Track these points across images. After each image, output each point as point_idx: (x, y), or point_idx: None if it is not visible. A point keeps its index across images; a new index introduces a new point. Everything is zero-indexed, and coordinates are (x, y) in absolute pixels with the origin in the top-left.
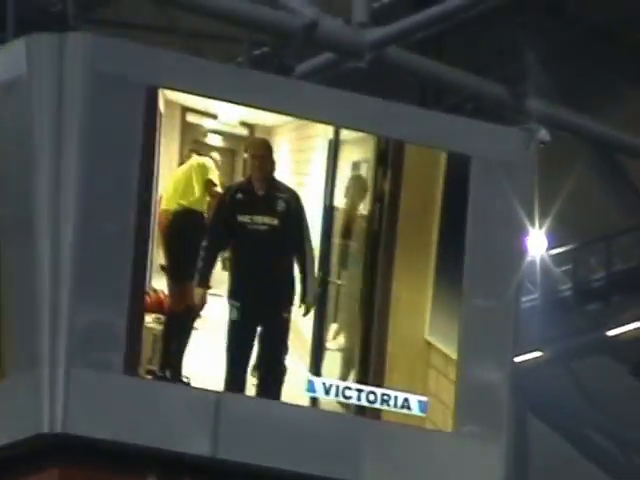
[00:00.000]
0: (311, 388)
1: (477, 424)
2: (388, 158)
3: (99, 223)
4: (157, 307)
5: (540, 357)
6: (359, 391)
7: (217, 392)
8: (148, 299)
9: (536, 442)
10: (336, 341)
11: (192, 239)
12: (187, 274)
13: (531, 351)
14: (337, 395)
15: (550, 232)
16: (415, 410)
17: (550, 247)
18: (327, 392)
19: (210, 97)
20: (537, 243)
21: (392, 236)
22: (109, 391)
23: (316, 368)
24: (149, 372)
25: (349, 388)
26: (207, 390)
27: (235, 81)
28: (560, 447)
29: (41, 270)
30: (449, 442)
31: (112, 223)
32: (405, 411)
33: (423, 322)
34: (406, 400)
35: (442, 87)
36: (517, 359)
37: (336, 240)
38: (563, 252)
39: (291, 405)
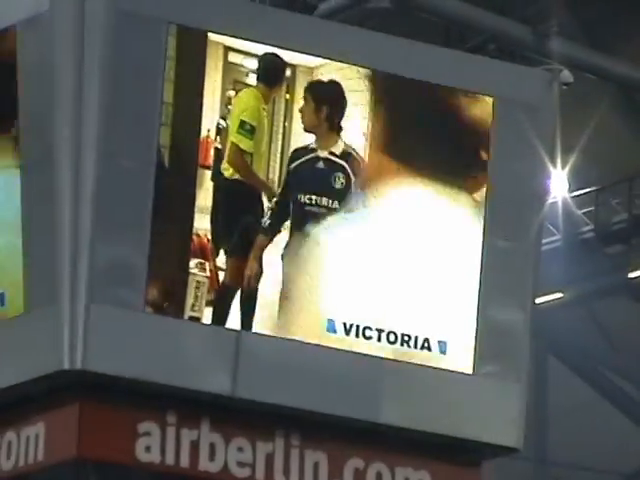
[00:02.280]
0: (331, 328)
1: (497, 364)
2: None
3: (120, 159)
4: (200, 252)
5: (561, 298)
6: (379, 331)
7: (237, 331)
8: (191, 243)
9: (555, 383)
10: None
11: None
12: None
13: (552, 292)
14: (357, 335)
15: (572, 174)
16: (435, 351)
17: (572, 189)
18: (347, 332)
19: (230, 35)
20: (559, 185)
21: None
22: (129, 328)
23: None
24: (192, 318)
25: (369, 328)
26: (227, 329)
27: (256, 19)
28: (579, 388)
29: (62, 207)
30: (469, 382)
31: (132, 160)
32: (425, 352)
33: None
34: (426, 341)
35: (466, 27)
36: (538, 300)
37: None
38: (585, 194)
39: (311, 345)
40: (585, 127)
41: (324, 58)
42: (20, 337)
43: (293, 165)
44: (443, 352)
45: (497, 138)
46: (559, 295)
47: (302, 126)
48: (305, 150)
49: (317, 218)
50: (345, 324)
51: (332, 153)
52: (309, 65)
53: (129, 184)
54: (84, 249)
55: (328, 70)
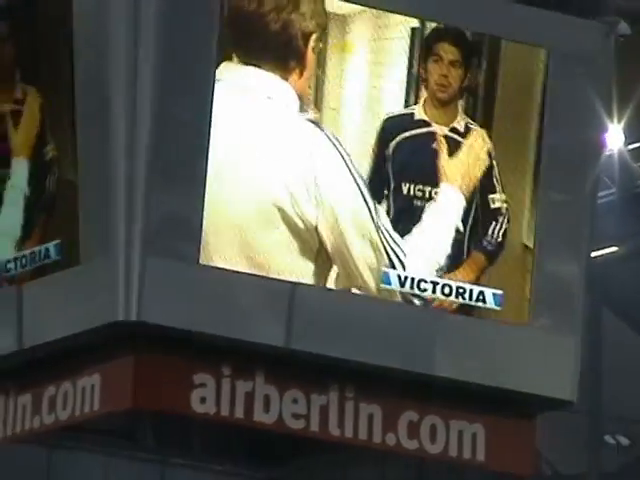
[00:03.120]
0: (386, 280)
1: (552, 317)
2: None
3: (175, 111)
4: None
5: (616, 252)
6: (434, 284)
7: (292, 282)
8: None
9: (610, 336)
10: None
11: None
12: None
13: (608, 246)
14: (412, 287)
15: (629, 126)
16: (490, 303)
17: (628, 141)
18: (402, 284)
19: None
20: (615, 137)
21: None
22: (184, 280)
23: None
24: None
25: (424, 281)
26: (282, 280)
27: None
28: (634, 342)
29: (117, 158)
30: (523, 335)
31: (188, 111)
32: (480, 304)
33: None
34: (481, 293)
35: None
36: (593, 254)
37: None
38: None
39: (366, 297)
40: None
41: (363, 5)
42: (76, 288)
43: (395, 141)
44: (498, 304)
45: (552, 91)
46: (614, 249)
47: (439, 95)
48: (410, 121)
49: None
50: (400, 276)
51: (454, 130)
52: (343, 13)
53: (184, 136)
54: (139, 201)
55: (363, 20)
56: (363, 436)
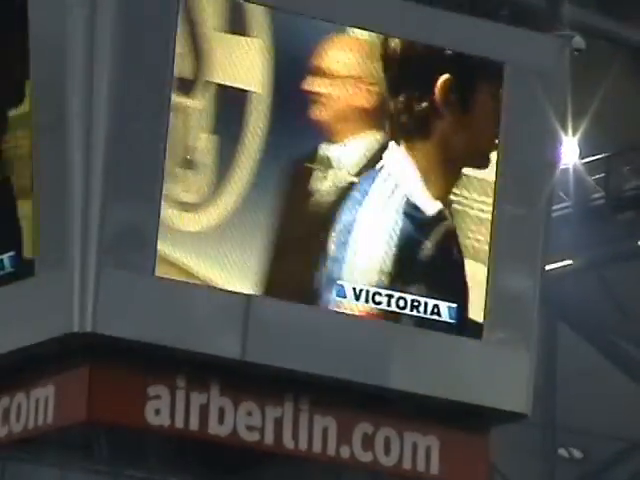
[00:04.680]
0: (341, 293)
1: (506, 331)
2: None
3: (131, 124)
4: None
5: (571, 265)
6: (389, 297)
7: (247, 295)
8: None
9: (565, 349)
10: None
11: None
12: None
13: (562, 259)
14: (367, 301)
15: (583, 140)
16: (445, 316)
17: (583, 155)
18: (357, 297)
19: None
20: (570, 151)
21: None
22: (139, 292)
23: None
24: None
25: (379, 294)
26: (237, 292)
27: None
28: (589, 355)
29: (72, 169)
30: (478, 348)
31: (144, 122)
32: (435, 317)
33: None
34: (436, 306)
35: None
36: (548, 267)
37: None
38: (596, 160)
39: (320, 309)
40: (597, 93)
41: (328, 21)
42: (30, 299)
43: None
44: (453, 318)
45: (508, 104)
46: (569, 262)
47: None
48: None
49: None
50: (355, 289)
51: None
52: None
53: (139, 150)
54: (95, 213)
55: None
56: (317, 449)
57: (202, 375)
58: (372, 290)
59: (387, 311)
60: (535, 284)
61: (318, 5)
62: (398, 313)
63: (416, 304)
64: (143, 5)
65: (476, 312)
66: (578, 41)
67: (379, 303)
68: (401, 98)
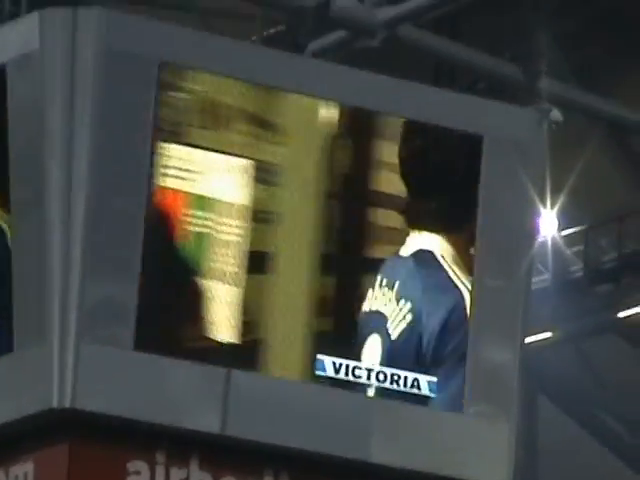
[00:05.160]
0: (321, 367)
1: (486, 404)
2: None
3: (110, 199)
4: None
5: (550, 338)
6: (369, 370)
7: (226, 368)
8: None
9: (545, 422)
10: None
11: None
12: None
13: (542, 332)
14: (347, 374)
15: (562, 212)
16: (425, 390)
17: (562, 227)
18: (337, 371)
19: (222, 75)
20: (548, 223)
21: None
22: (118, 366)
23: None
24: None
25: (359, 368)
26: (217, 367)
27: (247, 58)
28: (569, 427)
29: (52, 245)
30: (458, 421)
31: (123, 199)
32: (415, 391)
33: None
34: (416, 380)
35: (455, 66)
36: (527, 339)
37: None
38: (574, 233)
39: (301, 383)
40: (574, 166)
41: (311, 96)
42: (9, 375)
43: None
44: (433, 391)
45: (486, 176)
46: (549, 334)
47: None
48: None
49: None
50: (334, 363)
51: None
52: None
53: (119, 224)
54: (74, 287)
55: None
56: None
57: (182, 450)
58: (352, 364)
59: (367, 385)
60: (515, 356)
61: (313, 83)
62: (378, 387)
63: (396, 378)
64: (122, 81)
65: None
66: (556, 114)
67: (359, 377)
68: None
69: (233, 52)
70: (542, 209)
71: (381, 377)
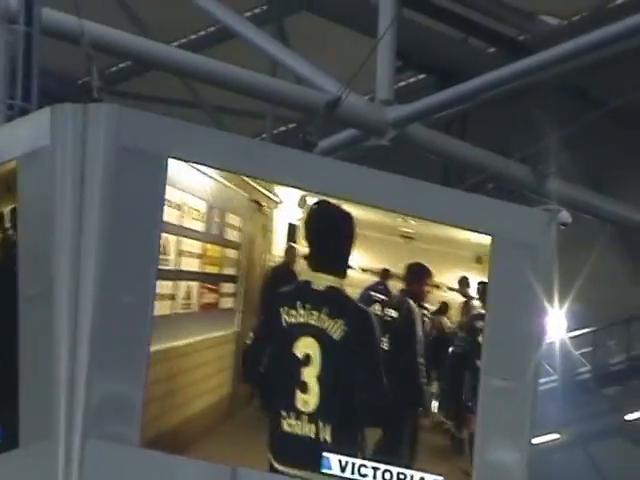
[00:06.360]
0: (327, 465)
1: None
2: None
3: (118, 294)
4: None
5: (558, 439)
6: (375, 469)
7: (232, 466)
8: None
9: None
10: None
11: None
12: None
13: (549, 433)
14: (353, 472)
15: (570, 314)
16: None
17: (570, 329)
18: (343, 469)
19: (234, 172)
20: (557, 325)
21: None
22: (124, 464)
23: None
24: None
25: (365, 466)
26: (222, 464)
27: (258, 156)
28: None
29: (58, 340)
30: None
31: (131, 294)
32: None
33: None
34: (422, 479)
35: (465, 166)
36: (535, 441)
37: None
38: (583, 334)
39: None
40: (583, 267)
41: (321, 195)
42: (14, 472)
43: None
44: None
45: (494, 277)
46: (556, 436)
47: None
48: None
49: None
50: (340, 461)
51: None
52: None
53: (127, 319)
54: (81, 384)
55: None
56: None
57: None
58: (358, 462)
59: None
60: (522, 458)
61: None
62: None
63: (402, 477)
64: (132, 176)
65: None
66: (565, 215)
67: (365, 475)
68: None
69: (244, 149)
70: (550, 310)
71: (387, 475)
